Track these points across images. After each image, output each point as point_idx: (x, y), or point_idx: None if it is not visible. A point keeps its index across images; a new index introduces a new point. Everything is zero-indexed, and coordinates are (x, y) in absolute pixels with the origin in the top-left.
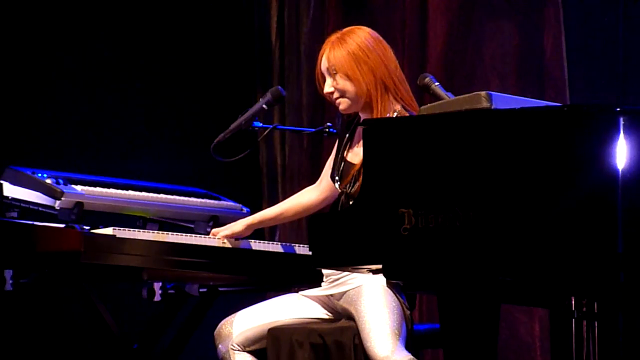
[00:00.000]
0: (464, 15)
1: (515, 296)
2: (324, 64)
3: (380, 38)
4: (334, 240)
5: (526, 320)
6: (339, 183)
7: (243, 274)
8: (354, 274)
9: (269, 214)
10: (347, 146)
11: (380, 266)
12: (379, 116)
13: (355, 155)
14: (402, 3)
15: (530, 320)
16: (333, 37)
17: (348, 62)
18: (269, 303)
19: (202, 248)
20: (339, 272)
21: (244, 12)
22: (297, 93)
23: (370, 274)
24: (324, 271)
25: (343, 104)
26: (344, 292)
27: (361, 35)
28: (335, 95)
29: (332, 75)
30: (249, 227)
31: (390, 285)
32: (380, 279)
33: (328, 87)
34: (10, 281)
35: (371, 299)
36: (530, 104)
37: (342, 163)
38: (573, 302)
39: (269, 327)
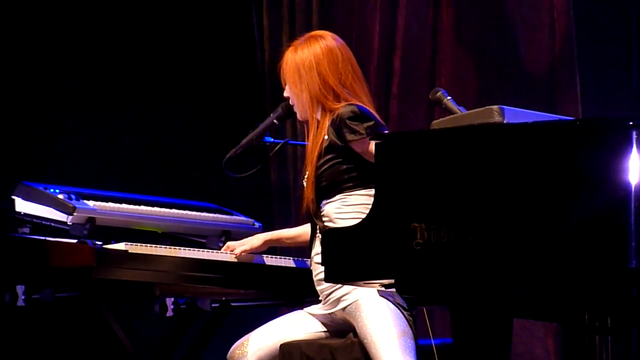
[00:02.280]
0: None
1: (528, 310)
2: (280, 71)
3: (334, 48)
4: (346, 255)
5: (541, 335)
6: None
7: (255, 288)
8: (347, 290)
9: (287, 234)
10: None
11: (392, 281)
12: (314, 128)
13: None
14: None
15: (545, 335)
16: (291, 47)
17: (292, 75)
18: (279, 321)
19: (215, 263)
20: (330, 288)
21: (254, 26)
22: None
23: (383, 288)
24: (318, 288)
25: (297, 111)
26: (343, 309)
27: (313, 47)
28: (291, 102)
29: (285, 85)
30: (266, 242)
31: (384, 293)
32: (374, 290)
33: (285, 93)
34: (23, 297)
35: (370, 312)
36: (543, 117)
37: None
38: (586, 317)
39: (280, 343)
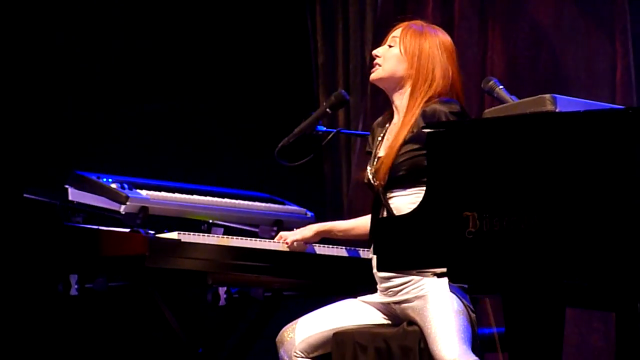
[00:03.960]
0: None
1: (581, 300)
2: (394, 31)
3: (453, 49)
4: (398, 244)
5: (600, 326)
6: (375, 181)
7: (307, 278)
8: (417, 282)
9: (340, 226)
10: (380, 143)
11: (444, 270)
12: (408, 113)
13: (384, 149)
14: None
15: (605, 326)
16: (416, 22)
17: (412, 51)
18: (330, 308)
19: (267, 252)
20: (400, 281)
21: (307, 15)
22: (362, 98)
23: (435, 277)
24: (380, 284)
25: (377, 73)
26: (405, 300)
27: (441, 39)
28: (378, 60)
29: (391, 44)
30: (318, 233)
31: (453, 288)
32: (444, 284)
33: (378, 51)
34: (76, 286)
35: (437, 304)
36: (595, 106)
37: (376, 160)
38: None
39: (333, 332)
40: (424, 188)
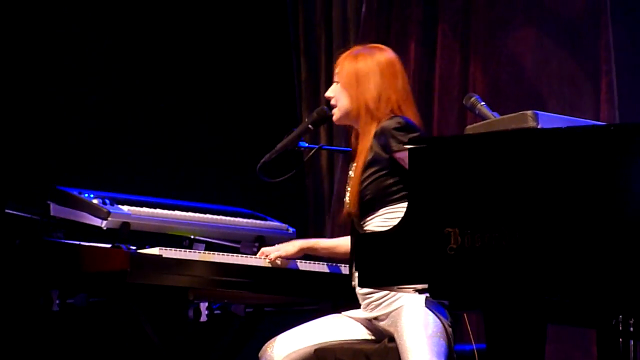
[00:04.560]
0: None
1: (562, 316)
2: (336, 67)
3: (395, 62)
4: (380, 260)
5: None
6: (349, 209)
7: (289, 294)
8: (394, 296)
9: (323, 244)
10: (350, 163)
11: (426, 285)
12: (362, 137)
13: (350, 179)
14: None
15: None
16: (353, 49)
17: (349, 80)
18: (313, 324)
19: (249, 268)
20: (378, 295)
21: (290, 31)
22: None
23: (416, 293)
24: (361, 297)
25: (335, 115)
26: (387, 314)
27: (376, 59)
28: (332, 102)
29: (336, 80)
30: (301, 250)
31: (429, 304)
32: (420, 299)
33: (329, 92)
34: (57, 301)
35: (410, 320)
36: (577, 123)
37: (348, 190)
38: (620, 322)
39: (314, 348)
40: (394, 205)
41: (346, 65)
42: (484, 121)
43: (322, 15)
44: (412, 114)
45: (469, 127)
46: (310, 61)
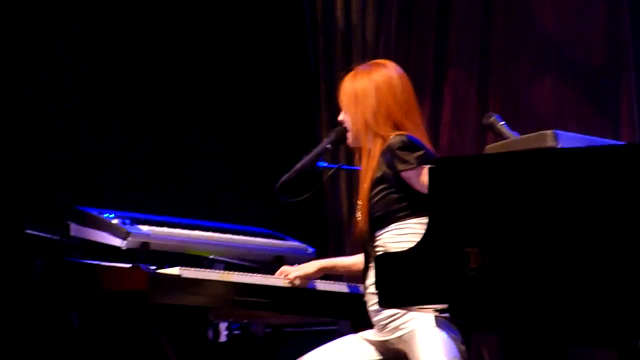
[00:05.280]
0: None
1: (583, 337)
2: (339, 93)
3: (393, 76)
4: (399, 280)
5: None
6: (359, 226)
7: (309, 314)
8: (404, 318)
9: (342, 262)
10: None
11: (445, 305)
12: (365, 156)
13: (361, 188)
14: None
15: None
16: (352, 72)
17: (349, 100)
18: (330, 346)
19: (268, 288)
20: (387, 314)
21: (310, 52)
22: None
23: (436, 313)
24: (374, 319)
25: (348, 136)
26: (396, 335)
27: (373, 76)
28: (344, 126)
29: (341, 105)
30: (320, 269)
31: (443, 325)
32: (432, 319)
33: (340, 116)
34: (77, 322)
35: (425, 341)
36: (597, 142)
37: (357, 199)
38: None
39: None
40: (403, 221)
41: (346, 86)
42: (504, 140)
43: (341, 38)
44: (416, 130)
45: (488, 146)
46: (329, 82)
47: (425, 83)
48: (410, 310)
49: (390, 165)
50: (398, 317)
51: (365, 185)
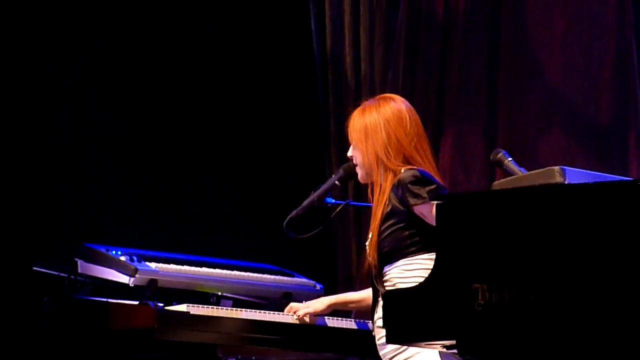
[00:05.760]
0: None
1: None
2: (348, 129)
3: (401, 110)
4: (407, 316)
5: None
6: (369, 260)
7: (317, 350)
8: (409, 352)
9: (352, 297)
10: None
11: (454, 342)
12: (377, 191)
13: (371, 223)
14: None
15: None
16: (360, 107)
17: (359, 135)
18: None
19: (277, 325)
20: (393, 352)
21: (319, 86)
22: None
23: (444, 349)
24: (381, 353)
25: (358, 172)
26: None
27: (382, 110)
28: (353, 162)
29: (350, 141)
30: (330, 306)
31: (445, 357)
32: (436, 354)
33: (349, 152)
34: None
35: None
36: (604, 178)
37: (368, 240)
38: None
39: None
40: (412, 257)
41: (355, 122)
42: (511, 177)
43: (352, 74)
44: (427, 162)
45: (496, 182)
46: (339, 117)
47: (429, 116)
48: (419, 347)
49: (402, 200)
50: (403, 351)
51: (375, 220)
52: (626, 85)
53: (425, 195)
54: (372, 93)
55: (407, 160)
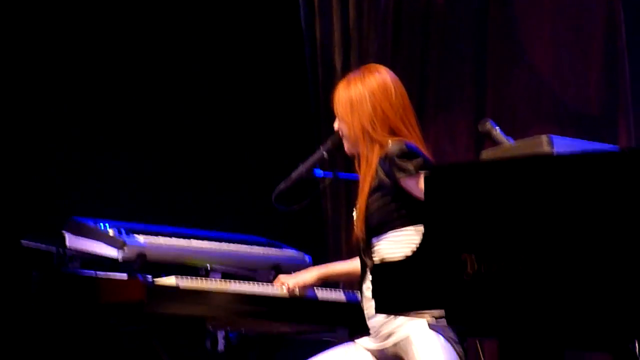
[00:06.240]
0: None
1: (579, 341)
2: (333, 102)
3: (386, 81)
4: (396, 287)
5: None
6: (356, 232)
7: (307, 322)
8: (397, 324)
9: (341, 269)
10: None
11: (442, 311)
12: (364, 163)
13: (359, 195)
14: None
15: None
16: (344, 80)
17: (344, 108)
18: (330, 353)
19: (266, 297)
20: (381, 323)
21: (307, 59)
22: None
23: (433, 319)
24: (369, 323)
25: (345, 144)
26: (394, 344)
27: (367, 81)
28: (340, 134)
29: (336, 113)
30: (319, 277)
31: (435, 326)
32: (424, 323)
33: (335, 124)
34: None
35: (421, 346)
36: (592, 146)
37: (355, 212)
38: (637, 346)
39: None
40: (400, 229)
41: (341, 94)
42: (499, 146)
43: (340, 44)
44: (413, 133)
45: (484, 152)
46: (329, 90)
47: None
48: (408, 316)
49: (389, 174)
50: (391, 322)
51: (363, 192)
52: (615, 56)
53: (412, 169)
54: (362, 60)
55: (393, 132)
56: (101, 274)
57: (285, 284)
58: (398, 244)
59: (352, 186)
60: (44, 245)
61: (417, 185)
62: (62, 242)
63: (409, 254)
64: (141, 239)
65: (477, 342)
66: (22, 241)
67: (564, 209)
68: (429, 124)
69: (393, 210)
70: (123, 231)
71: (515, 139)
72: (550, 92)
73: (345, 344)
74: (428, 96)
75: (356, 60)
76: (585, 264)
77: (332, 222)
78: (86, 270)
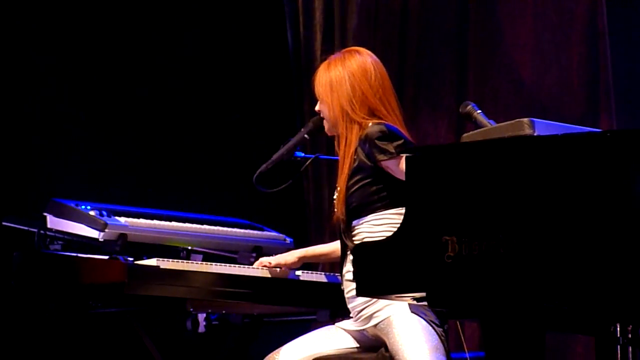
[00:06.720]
0: None
1: (560, 323)
2: (314, 84)
3: (366, 63)
4: (377, 269)
5: (582, 351)
6: (336, 214)
7: (287, 304)
8: (378, 307)
9: (322, 250)
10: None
11: (424, 294)
12: (343, 143)
13: (339, 177)
14: None
15: (586, 352)
16: (325, 62)
17: (324, 89)
18: (311, 335)
19: (247, 278)
20: (362, 305)
21: (289, 39)
22: None
23: (414, 302)
24: (350, 305)
25: (325, 125)
26: (375, 325)
27: (347, 63)
28: (321, 116)
29: (317, 95)
30: (300, 259)
31: (416, 308)
32: (405, 305)
33: (317, 106)
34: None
35: (402, 328)
36: (572, 130)
37: (335, 193)
38: (618, 329)
39: (312, 358)
40: (380, 212)
41: (321, 76)
42: (481, 129)
43: (321, 28)
44: (393, 115)
45: (465, 135)
46: (309, 69)
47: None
48: (389, 299)
49: (369, 156)
50: (372, 304)
51: (343, 173)
52: (596, 39)
53: (393, 151)
54: (344, 42)
55: (372, 113)
56: (82, 255)
57: (266, 266)
58: (379, 226)
59: (334, 168)
60: (25, 227)
61: (398, 167)
62: (44, 223)
63: (391, 235)
64: (122, 220)
65: (458, 323)
66: (4, 222)
67: (545, 191)
68: (410, 106)
69: (373, 193)
70: (105, 213)
71: (497, 122)
72: (532, 74)
73: (326, 326)
74: (407, 78)
75: (339, 39)
76: (566, 246)
77: (314, 204)
78: (67, 252)
